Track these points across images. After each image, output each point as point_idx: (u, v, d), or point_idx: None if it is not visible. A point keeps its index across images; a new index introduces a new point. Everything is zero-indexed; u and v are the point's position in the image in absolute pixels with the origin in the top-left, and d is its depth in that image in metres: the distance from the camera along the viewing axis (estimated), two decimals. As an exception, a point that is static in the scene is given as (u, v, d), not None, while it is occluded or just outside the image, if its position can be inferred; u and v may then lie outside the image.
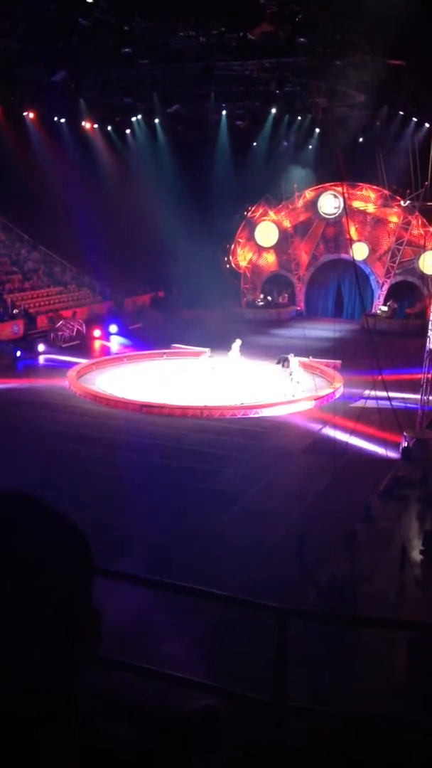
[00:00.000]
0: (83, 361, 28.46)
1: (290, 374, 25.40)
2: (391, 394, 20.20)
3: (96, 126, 39.61)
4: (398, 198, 37.55)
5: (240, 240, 40.79)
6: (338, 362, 27.09)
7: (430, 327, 21.19)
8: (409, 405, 20.88)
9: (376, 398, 19.76)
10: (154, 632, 9.62)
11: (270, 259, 41.68)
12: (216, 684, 4.81)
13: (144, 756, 1.10)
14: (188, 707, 3.12)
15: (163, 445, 19.56)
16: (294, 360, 25.70)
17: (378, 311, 37.78)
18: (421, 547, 13.71)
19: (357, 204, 38.44)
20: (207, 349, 28.18)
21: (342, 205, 37.17)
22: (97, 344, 33.06)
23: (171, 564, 11.60)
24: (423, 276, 36.94)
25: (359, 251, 37.90)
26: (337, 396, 24.39)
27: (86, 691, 1.03)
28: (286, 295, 41.12)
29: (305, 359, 26.50)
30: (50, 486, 13.96)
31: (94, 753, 1.01)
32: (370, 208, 38.77)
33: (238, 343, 27.21)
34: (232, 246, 40.73)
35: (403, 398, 21.25)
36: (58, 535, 1.00)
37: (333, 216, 38.93)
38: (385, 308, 37.84)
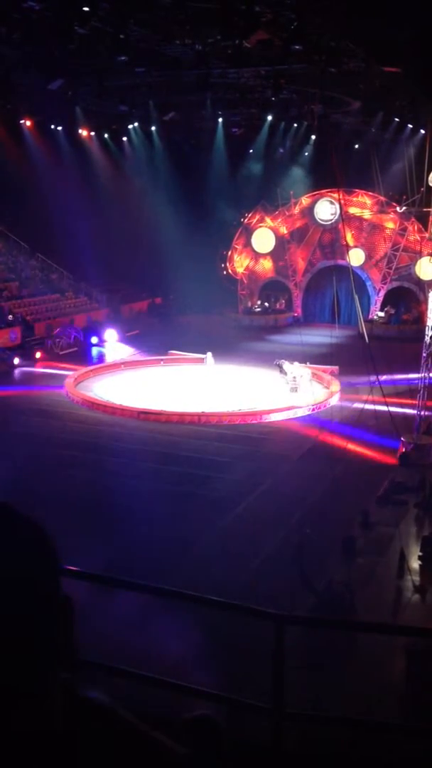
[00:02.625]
0: (81, 368, 28.47)
1: (293, 379, 25.68)
2: (388, 400, 20.22)
3: (92, 134, 39.71)
4: (394, 204, 37.65)
5: (237, 246, 40.86)
6: (335, 368, 27.13)
7: (426, 332, 21.24)
8: (406, 410, 20.89)
9: (374, 402, 19.80)
10: (151, 638, 9.60)
11: (267, 265, 41.77)
12: (214, 691, 4.81)
13: (141, 762, 1.11)
14: (185, 716, 3.13)
15: (160, 451, 19.55)
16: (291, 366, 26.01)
17: (375, 317, 37.87)
18: (419, 553, 13.72)
19: (353, 210, 38.55)
20: (206, 355, 28.26)
21: (338, 211, 37.30)
22: (94, 351, 33.07)
23: (169, 570, 11.60)
24: (419, 282, 36.98)
25: (356, 257, 38.01)
26: (335, 402, 24.43)
27: (72, 691, 1.05)
28: (283, 302, 41.20)
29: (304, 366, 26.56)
30: (47, 492, 13.96)
31: (82, 752, 1.02)
32: (367, 214, 38.88)
33: (209, 355, 27.52)
34: (229, 252, 40.82)
35: (401, 404, 21.27)
36: (14, 536, 1.03)
37: (329, 222, 39.04)
38: (381, 314, 37.93)
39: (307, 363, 27.13)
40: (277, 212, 40.29)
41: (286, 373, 26.34)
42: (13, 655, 0.96)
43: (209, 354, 27.54)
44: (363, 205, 38.67)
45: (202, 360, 29.19)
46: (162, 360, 30.33)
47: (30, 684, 0.98)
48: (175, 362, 30.05)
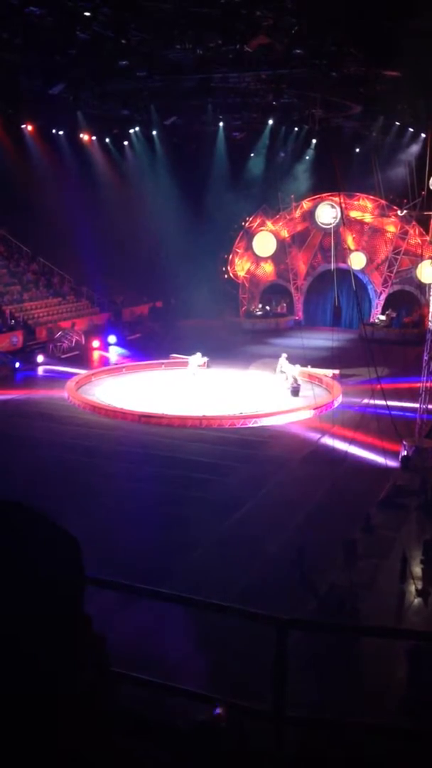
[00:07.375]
0: (82, 372, 28.47)
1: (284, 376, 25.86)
2: (390, 403, 20.20)
3: (94, 138, 39.79)
4: (395, 208, 37.69)
5: (238, 250, 40.89)
6: (337, 371, 27.12)
7: (428, 336, 21.24)
8: (407, 413, 20.89)
9: (375, 407, 19.79)
10: (153, 643, 9.59)
11: (268, 269, 41.79)
12: (216, 695, 4.80)
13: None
14: (190, 721, 3.12)
15: (161, 455, 19.55)
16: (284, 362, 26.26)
17: (376, 320, 37.87)
18: (421, 556, 13.70)
19: (354, 214, 38.59)
20: (206, 359, 28.30)
21: (339, 215, 37.34)
22: (95, 355, 33.07)
23: (170, 574, 11.59)
24: (420, 285, 37.01)
25: (357, 261, 38.03)
26: (336, 405, 24.42)
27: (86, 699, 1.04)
28: (285, 305, 41.21)
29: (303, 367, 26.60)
30: (49, 496, 13.94)
31: (89, 761, 1.01)
32: (368, 217, 38.92)
33: (198, 355, 27.66)
34: (230, 256, 40.84)
35: (402, 407, 21.26)
36: (49, 542, 1.02)
37: (330, 226, 39.07)
38: (383, 317, 37.92)
39: (309, 366, 27.14)
40: (278, 216, 40.32)
41: (285, 374, 26.39)
42: (27, 670, 0.95)
43: (198, 354, 27.63)
44: (364, 208, 38.71)
45: (204, 364, 29.20)
46: (163, 364, 30.32)
47: (39, 701, 0.96)
48: (176, 366, 30.02)
